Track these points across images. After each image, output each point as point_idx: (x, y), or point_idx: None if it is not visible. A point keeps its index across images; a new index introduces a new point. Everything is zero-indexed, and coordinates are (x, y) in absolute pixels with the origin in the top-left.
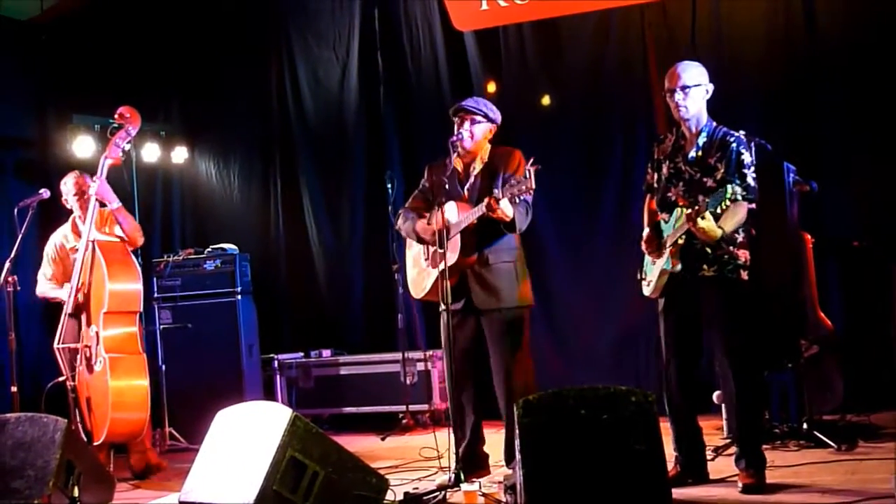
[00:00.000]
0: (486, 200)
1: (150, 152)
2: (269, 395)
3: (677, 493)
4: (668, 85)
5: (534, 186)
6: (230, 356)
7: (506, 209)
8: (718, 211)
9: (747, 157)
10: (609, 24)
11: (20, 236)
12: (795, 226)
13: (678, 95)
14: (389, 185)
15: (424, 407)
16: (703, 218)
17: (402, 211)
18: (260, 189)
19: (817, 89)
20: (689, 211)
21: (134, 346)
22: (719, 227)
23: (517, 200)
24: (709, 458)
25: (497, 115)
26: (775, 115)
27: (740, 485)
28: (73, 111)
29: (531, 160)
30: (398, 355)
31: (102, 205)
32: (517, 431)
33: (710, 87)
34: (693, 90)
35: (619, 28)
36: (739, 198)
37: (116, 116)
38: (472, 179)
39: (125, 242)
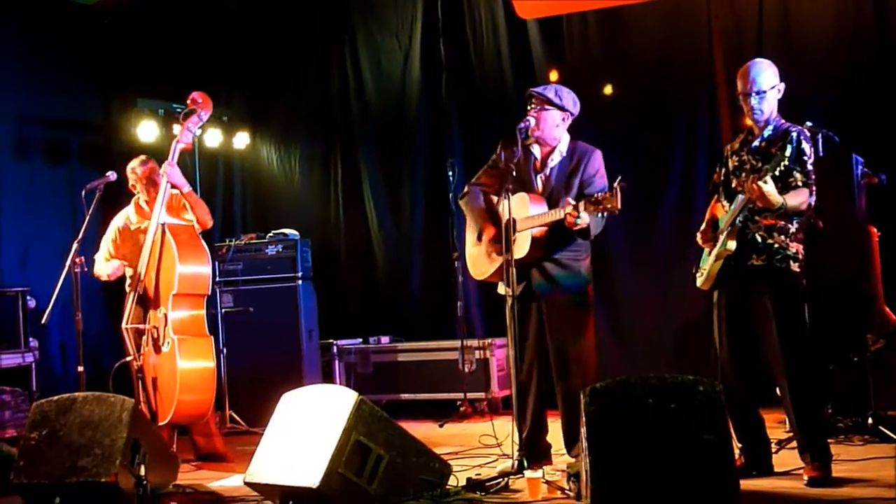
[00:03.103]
0: (565, 209)
1: (212, 138)
2: (328, 379)
3: (743, 484)
4: (741, 88)
5: (619, 207)
6: (290, 341)
7: (583, 218)
8: (777, 173)
9: (807, 149)
10: (675, 14)
11: (87, 218)
12: (863, 218)
13: (753, 100)
14: (451, 173)
15: (482, 395)
16: (765, 182)
17: (470, 188)
18: (321, 175)
19: (886, 80)
20: (753, 175)
21: (201, 328)
22: (782, 198)
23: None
24: (773, 450)
25: (570, 103)
26: (843, 107)
27: (806, 478)
28: (137, 96)
29: (619, 179)
30: (456, 343)
31: (173, 187)
32: (583, 419)
33: (782, 87)
34: (768, 94)
35: (685, 18)
36: (800, 183)
37: (189, 101)
38: (547, 171)
39: (194, 226)
